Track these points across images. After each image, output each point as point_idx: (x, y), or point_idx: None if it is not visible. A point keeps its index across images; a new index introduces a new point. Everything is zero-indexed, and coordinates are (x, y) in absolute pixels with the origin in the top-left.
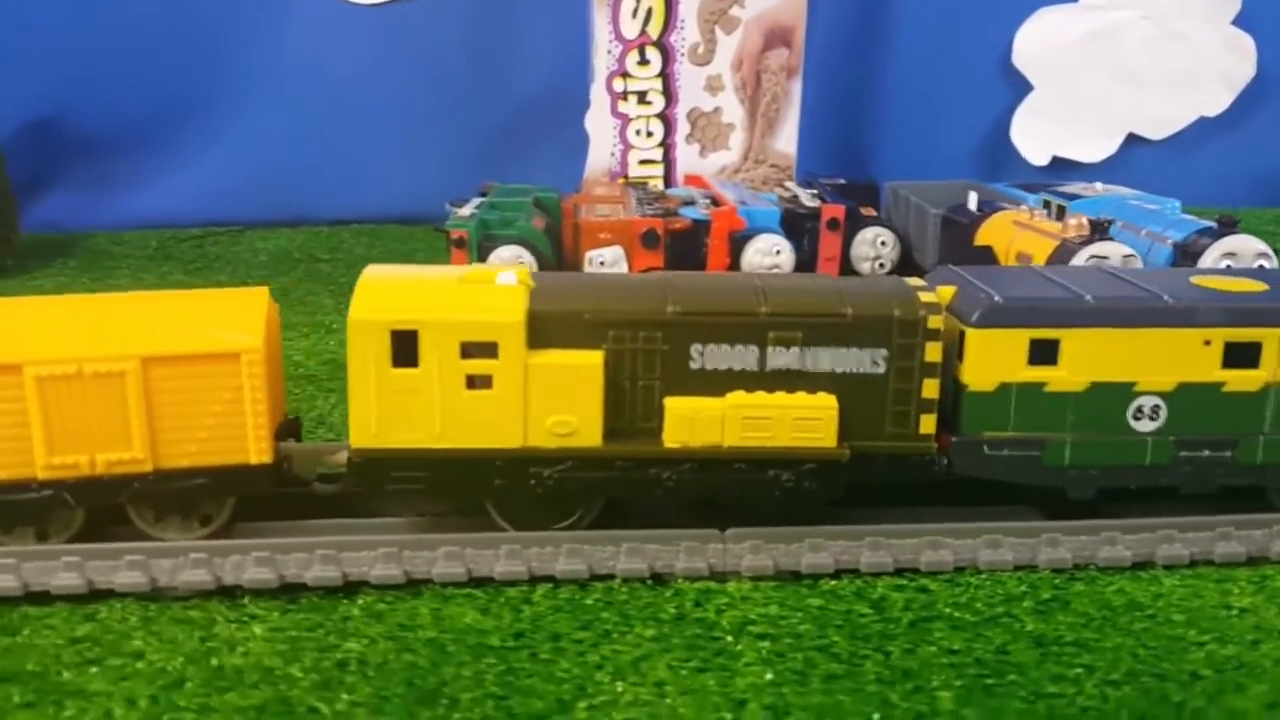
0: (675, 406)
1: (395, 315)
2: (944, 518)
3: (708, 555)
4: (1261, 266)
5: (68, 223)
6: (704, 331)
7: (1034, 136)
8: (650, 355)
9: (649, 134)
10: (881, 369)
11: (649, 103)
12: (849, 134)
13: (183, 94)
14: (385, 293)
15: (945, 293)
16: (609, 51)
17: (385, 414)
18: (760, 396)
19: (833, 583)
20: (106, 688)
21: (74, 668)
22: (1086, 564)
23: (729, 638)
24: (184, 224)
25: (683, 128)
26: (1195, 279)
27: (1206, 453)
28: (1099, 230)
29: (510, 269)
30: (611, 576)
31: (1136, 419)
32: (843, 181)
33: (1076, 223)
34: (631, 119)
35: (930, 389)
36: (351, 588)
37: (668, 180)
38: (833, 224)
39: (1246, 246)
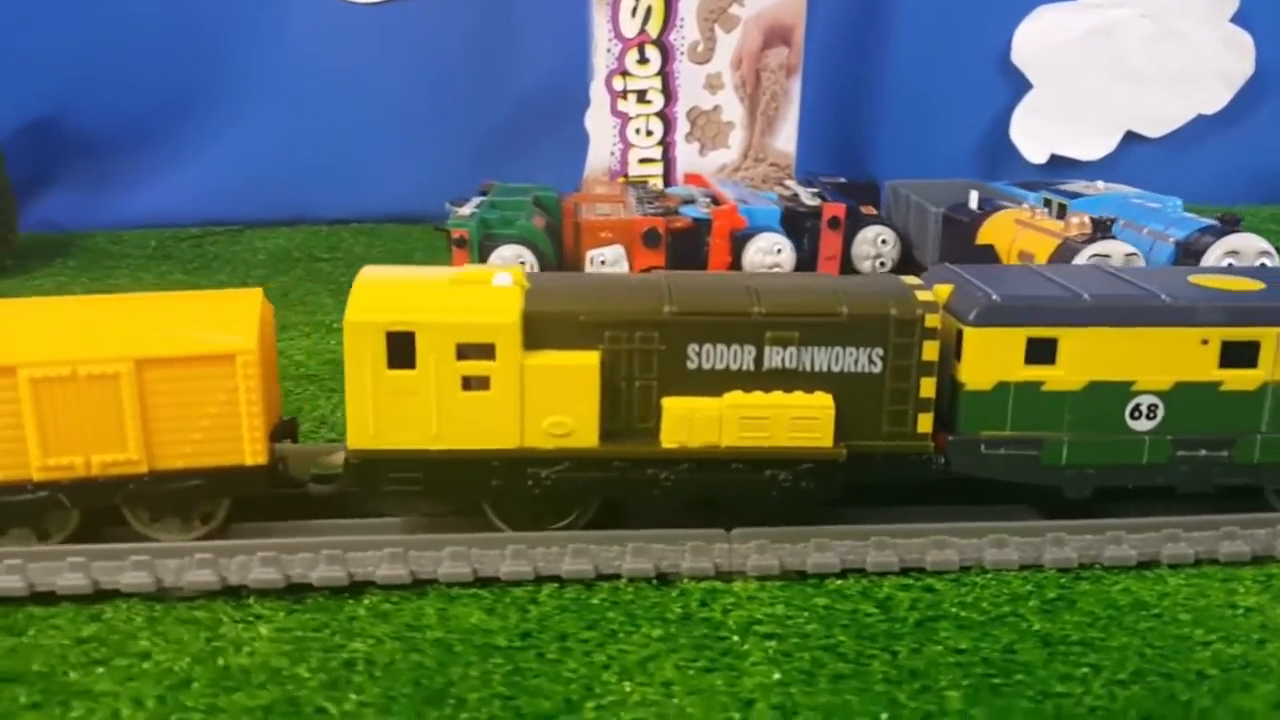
0: (672, 407)
1: (391, 317)
2: (940, 517)
3: (713, 555)
4: (1264, 265)
5: (67, 222)
6: (701, 331)
7: (1033, 135)
8: (647, 355)
9: (649, 132)
10: (878, 368)
11: (649, 101)
12: (848, 132)
13: (182, 93)
14: (381, 294)
15: (942, 291)
16: (608, 50)
17: (382, 415)
18: (757, 396)
19: (838, 582)
20: (113, 688)
21: (80, 668)
22: (1092, 563)
23: (735, 637)
24: (183, 223)
25: (682, 126)
26: (1193, 278)
27: (1204, 452)
28: (1102, 229)
29: (505, 270)
30: (617, 576)
31: (1134, 418)
32: (843, 180)
33: (1079, 221)
34: (631, 117)
35: (927, 388)
36: (357, 588)
37: (667, 179)
38: (834, 223)
39: (1249, 245)
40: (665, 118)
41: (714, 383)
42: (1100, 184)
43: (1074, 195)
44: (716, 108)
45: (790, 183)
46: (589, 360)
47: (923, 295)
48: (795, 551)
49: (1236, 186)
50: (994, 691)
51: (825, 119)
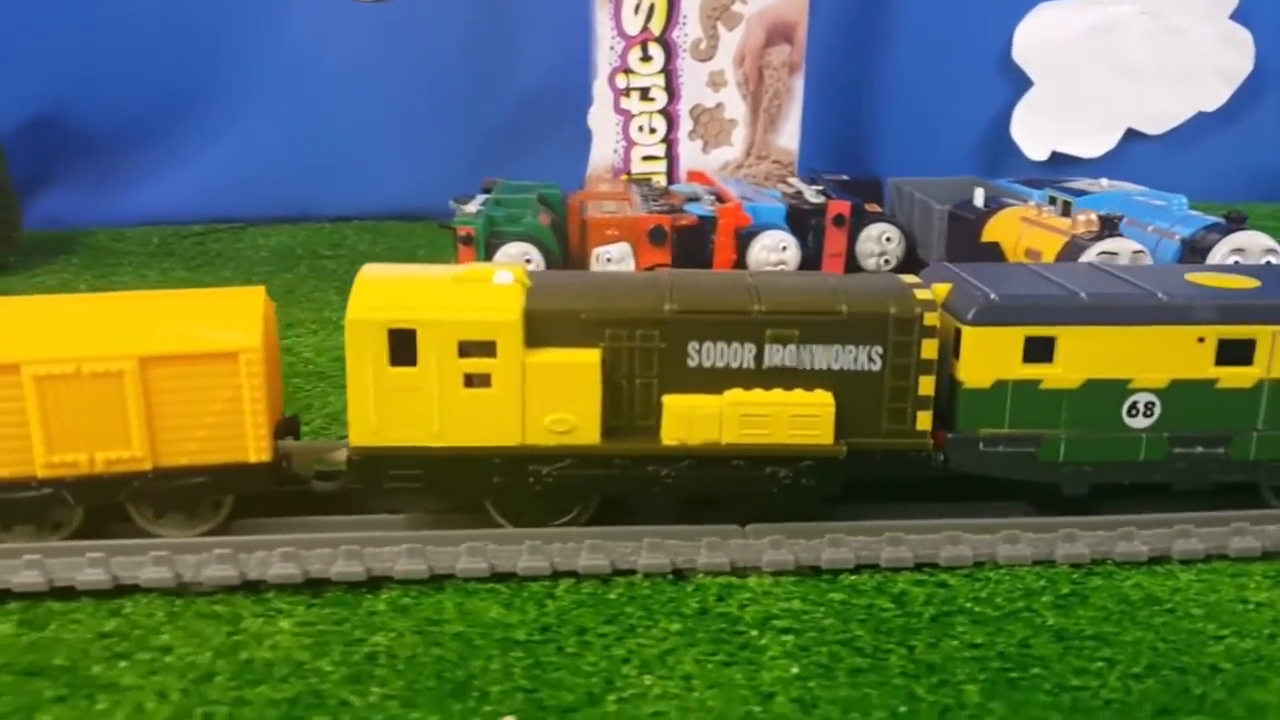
0: (673, 404)
1: (393, 315)
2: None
3: (728, 550)
4: (1269, 262)
5: (70, 219)
6: (701, 329)
7: (1034, 132)
8: (648, 353)
9: (652, 130)
10: (878, 366)
11: (652, 99)
12: (849, 130)
13: (184, 90)
14: (383, 292)
15: (941, 290)
16: (611, 48)
17: (384, 412)
18: (758, 394)
19: (853, 578)
20: (137, 681)
21: (103, 662)
22: (1103, 559)
23: (753, 632)
24: (186, 220)
25: (685, 124)
26: (1189, 276)
27: (1200, 449)
28: (1109, 226)
29: (507, 268)
30: (633, 572)
31: (1131, 415)
32: (845, 177)
33: (1086, 219)
34: (634, 115)
35: (926, 386)
36: (375, 583)
37: (670, 176)
38: (839, 220)
39: (1255, 242)
40: (668, 115)
41: (714, 380)
42: (1105, 181)
43: (1079, 193)
44: (719, 105)
45: (793, 180)
46: (590, 358)
47: (922, 294)
48: (810, 547)
49: (1236, 184)
50: (1011, 685)
51: (827, 116)
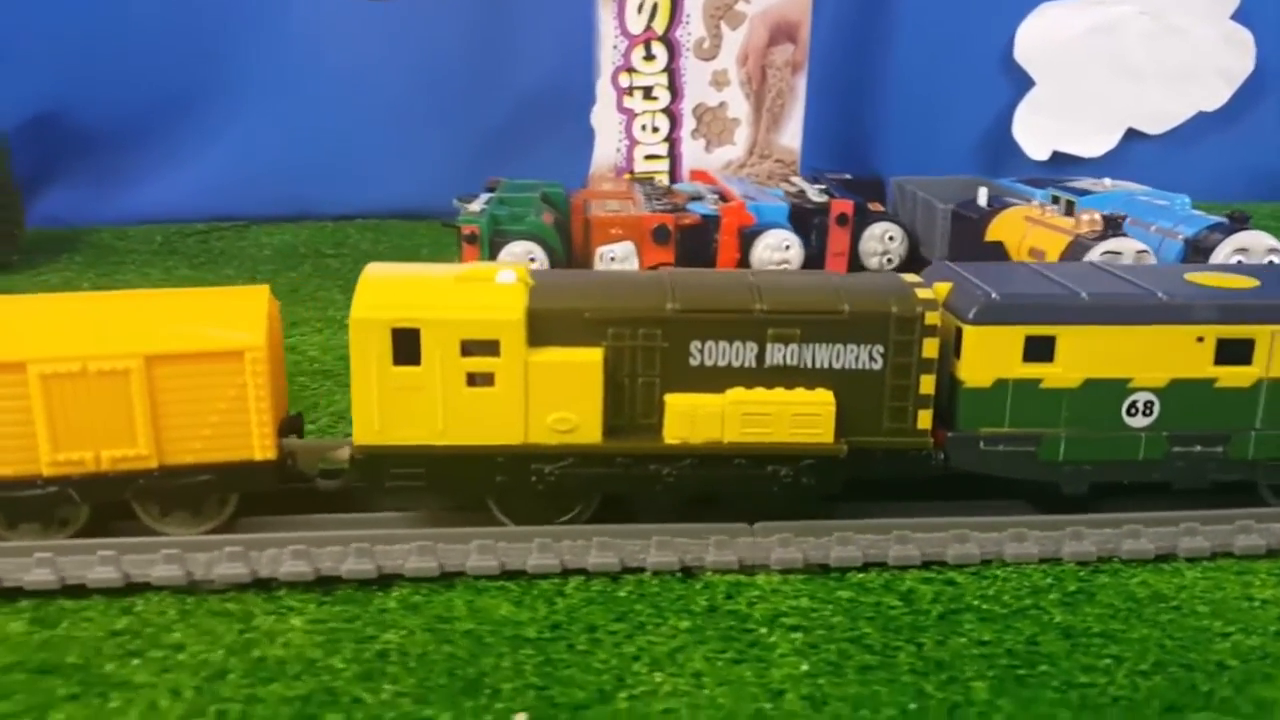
0: (675, 403)
1: (396, 314)
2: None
3: (737, 548)
4: (1271, 262)
5: (72, 218)
6: (703, 328)
7: (1035, 131)
8: (650, 352)
9: (654, 129)
10: (879, 365)
11: (654, 98)
12: (851, 129)
13: (186, 89)
14: (386, 291)
15: (942, 289)
16: (614, 47)
17: (387, 411)
18: (759, 393)
19: (860, 575)
20: (150, 679)
21: (116, 660)
22: (1110, 556)
23: (762, 629)
24: (188, 219)
25: (688, 123)
26: (1189, 275)
27: (1199, 448)
28: (1112, 226)
29: (510, 267)
30: (642, 569)
31: (1130, 415)
32: (848, 176)
33: (1089, 218)
34: (637, 114)
35: (927, 385)
36: (385, 580)
37: (673, 175)
38: (842, 219)
39: (1258, 242)
40: (671, 114)
41: (716, 379)
42: (1108, 181)
43: (1082, 192)
44: (722, 104)
45: (796, 179)
46: (593, 357)
47: (923, 293)
48: (818, 545)
49: (1236, 184)
50: (1019, 682)
51: (829, 115)
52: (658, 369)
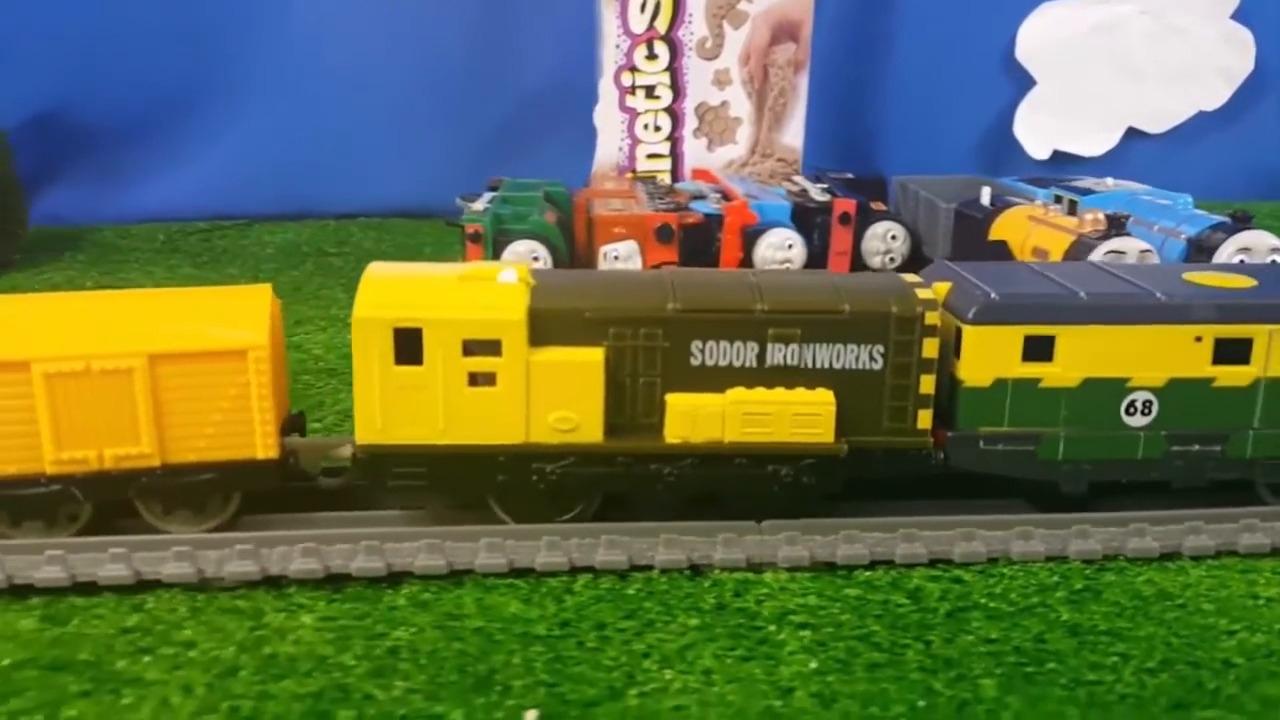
0: (676, 402)
1: (398, 313)
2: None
3: (745, 546)
4: (1274, 261)
5: (75, 216)
6: (704, 328)
7: (1036, 130)
8: (651, 352)
9: (657, 128)
10: (879, 365)
11: (657, 97)
12: (852, 128)
13: (189, 88)
14: (388, 291)
15: (941, 289)
16: (617, 46)
17: (389, 410)
18: (760, 392)
19: (868, 573)
20: (162, 676)
21: (127, 657)
22: (1116, 555)
23: (771, 627)
24: (191, 217)
25: (690, 122)
26: (1187, 275)
27: (1197, 447)
28: (1116, 225)
29: (511, 266)
30: (650, 567)
31: (1129, 414)
32: (850, 175)
33: (1093, 218)
34: (639, 113)
35: (927, 384)
36: (395, 578)
37: (675, 174)
38: (844, 218)
39: (1261, 241)
40: (673, 113)
41: (717, 379)
42: (1110, 180)
43: (1084, 191)
44: (724, 103)
45: (798, 178)
46: (594, 356)
47: (923, 293)
48: (825, 543)
49: (1236, 183)
50: (1027, 680)
51: (831, 114)
52: (659, 368)
